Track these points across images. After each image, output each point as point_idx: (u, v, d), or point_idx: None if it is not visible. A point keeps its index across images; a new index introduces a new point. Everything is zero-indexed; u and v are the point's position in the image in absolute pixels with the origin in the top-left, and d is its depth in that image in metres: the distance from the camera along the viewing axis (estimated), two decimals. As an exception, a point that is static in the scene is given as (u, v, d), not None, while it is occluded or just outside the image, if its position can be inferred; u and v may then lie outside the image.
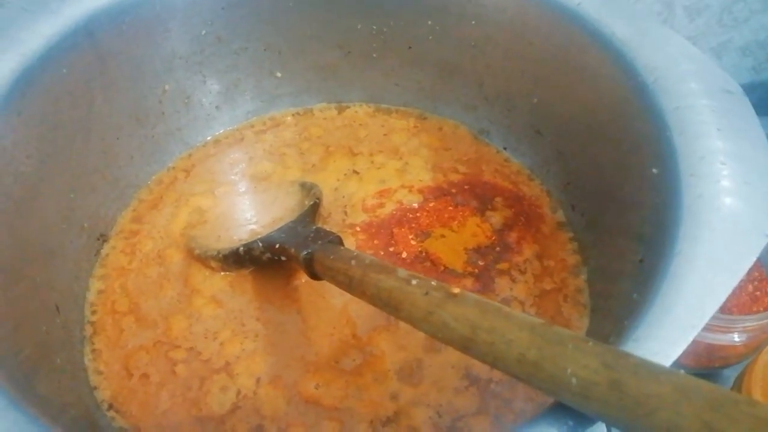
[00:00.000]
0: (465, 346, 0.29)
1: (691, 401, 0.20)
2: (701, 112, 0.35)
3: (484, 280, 0.48)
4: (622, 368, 0.22)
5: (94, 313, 0.48)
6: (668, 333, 0.27)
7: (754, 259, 0.29)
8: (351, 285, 0.38)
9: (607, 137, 0.44)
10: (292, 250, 0.44)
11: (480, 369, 0.43)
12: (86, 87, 0.47)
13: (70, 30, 0.44)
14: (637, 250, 0.36)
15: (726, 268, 0.29)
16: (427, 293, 0.32)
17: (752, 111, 0.36)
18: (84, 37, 0.45)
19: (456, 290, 0.31)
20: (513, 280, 0.48)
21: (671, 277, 0.29)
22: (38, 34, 0.43)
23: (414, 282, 0.33)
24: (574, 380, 0.23)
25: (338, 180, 0.55)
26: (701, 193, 0.32)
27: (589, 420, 0.25)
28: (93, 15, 0.45)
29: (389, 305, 0.34)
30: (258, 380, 0.43)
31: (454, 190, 0.54)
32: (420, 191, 0.54)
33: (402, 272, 0.34)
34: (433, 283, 0.32)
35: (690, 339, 0.26)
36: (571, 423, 0.25)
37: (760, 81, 0.74)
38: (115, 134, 0.51)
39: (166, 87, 0.54)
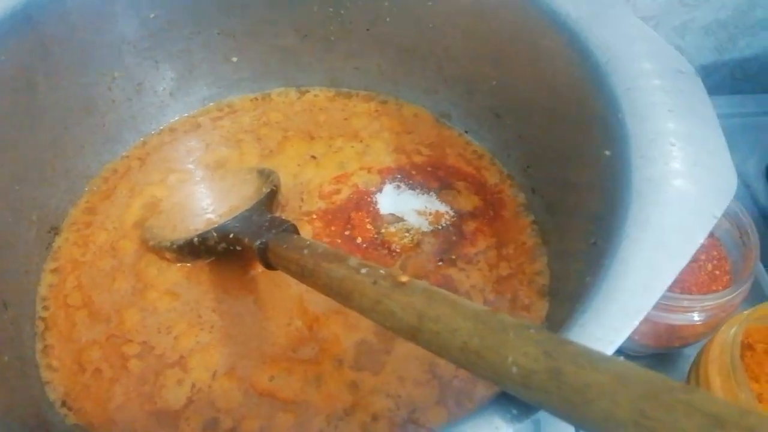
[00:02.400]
0: (412, 335, 0.28)
1: (627, 390, 0.20)
2: (653, 93, 0.35)
3: (441, 267, 0.47)
4: (561, 356, 0.22)
5: (45, 308, 0.46)
6: (613, 319, 0.26)
7: (701, 241, 0.29)
8: (303, 274, 0.37)
9: (564, 119, 0.43)
10: (246, 240, 0.43)
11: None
12: (29, 74, 0.45)
13: (6, 15, 0.42)
14: (591, 233, 0.36)
15: (673, 252, 0.28)
16: (375, 282, 0.31)
17: (704, 91, 0.35)
18: (22, 22, 0.43)
19: (404, 279, 0.30)
20: (473, 264, 0.47)
21: (618, 262, 0.29)
22: (-27, 20, 0.42)
23: (363, 271, 0.32)
24: (514, 369, 0.23)
25: (298, 165, 0.54)
26: (650, 175, 0.31)
27: (532, 409, 0.24)
28: (31, -1, 0.44)
29: (340, 294, 0.33)
30: (213, 373, 0.42)
31: (414, 172, 0.53)
32: (379, 172, 0.53)
33: (353, 261, 0.34)
34: (381, 271, 0.32)
35: (635, 325, 0.26)
36: (514, 412, 0.24)
37: (722, 61, 0.74)
38: (62, 123, 0.49)
39: (116, 74, 0.52)
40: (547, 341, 0.23)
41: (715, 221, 0.29)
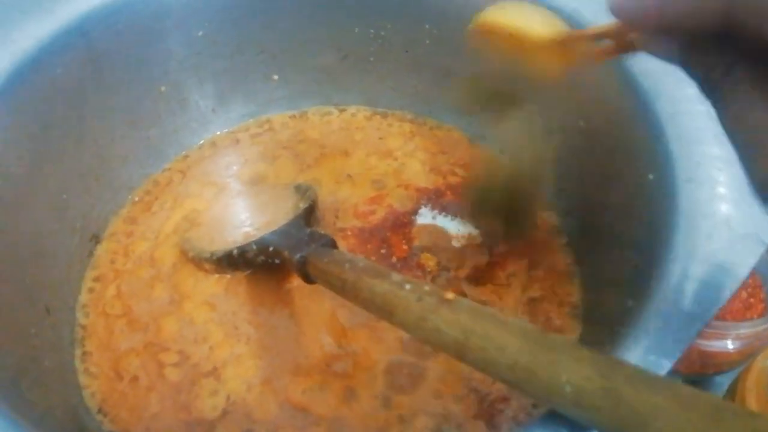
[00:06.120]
0: (458, 351, 0.29)
1: (690, 413, 0.20)
2: (698, 118, 0.35)
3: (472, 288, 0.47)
4: (617, 377, 0.22)
5: (85, 315, 0.47)
6: (663, 343, 0.26)
7: (752, 265, 0.29)
8: (344, 289, 0.37)
9: (601, 143, 0.44)
10: (286, 253, 0.43)
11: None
12: (79, 88, 0.47)
13: (63, 30, 0.44)
14: (632, 256, 0.36)
15: (722, 277, 0.28)
16: (420, 299, 0.31)
17: (749, 118, 0.35)
18: (77, 38, 0.45)
19: (450, 296, 0.31)
20: (504, 286, 0.47)
21: (666, 284, 0.29)
22: (30, 34, 0.43)
23: (407, 287, 0.33)
24: (568, 388, 0.23)
25: (335, 182, 0.55)
26: (697, 198, 0.32)
27: (582, 429, 0.24)
28: (87, 15, 0.45)
29: (383, 310, 0.34)
30: (249, 384, 0.43)
31: (449, 192, 0.54)
32: (416, 190, 0.53)
33: (396, 277, 0.34)
34: (426, 288, 0.32)
35: (684, 348, 0.26)
36: (564, 431, 0.24)
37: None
38: (109, 136, 0.51)
39: (162, 89, 0.53)
40: (600, 362, 0.23)
41: (764, 246, 0.29)
